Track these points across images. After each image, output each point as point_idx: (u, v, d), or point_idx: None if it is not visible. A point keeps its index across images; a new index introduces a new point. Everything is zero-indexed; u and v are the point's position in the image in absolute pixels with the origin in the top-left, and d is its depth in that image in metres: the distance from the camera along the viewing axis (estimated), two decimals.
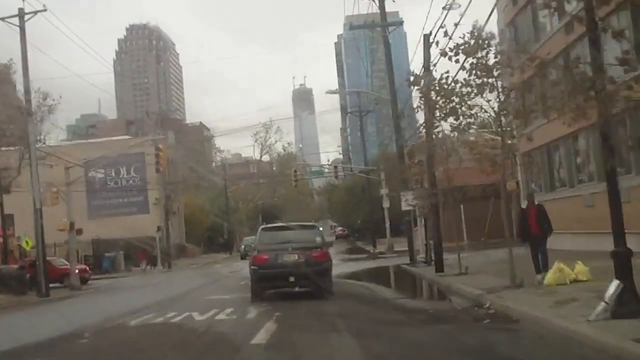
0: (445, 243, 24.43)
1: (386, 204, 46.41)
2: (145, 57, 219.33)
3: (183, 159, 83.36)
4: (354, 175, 74.95)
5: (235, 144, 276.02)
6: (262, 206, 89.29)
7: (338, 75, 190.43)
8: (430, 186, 21.58)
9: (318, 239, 17.14)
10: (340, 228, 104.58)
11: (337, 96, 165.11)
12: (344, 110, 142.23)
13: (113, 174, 67.22)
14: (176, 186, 72.35)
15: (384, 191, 46.42)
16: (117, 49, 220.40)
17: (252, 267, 16.87)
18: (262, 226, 20.11)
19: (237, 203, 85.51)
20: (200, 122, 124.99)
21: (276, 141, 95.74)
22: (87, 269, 39.85)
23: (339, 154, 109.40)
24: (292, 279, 16.41)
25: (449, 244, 25.58)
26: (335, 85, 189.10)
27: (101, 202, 66.63)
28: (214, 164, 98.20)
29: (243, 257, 48.01)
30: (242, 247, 53.12)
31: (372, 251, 48.23)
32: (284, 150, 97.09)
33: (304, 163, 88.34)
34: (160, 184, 52.99)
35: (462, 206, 27.10)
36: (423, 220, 28.72)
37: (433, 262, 24.69)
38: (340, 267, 31.70)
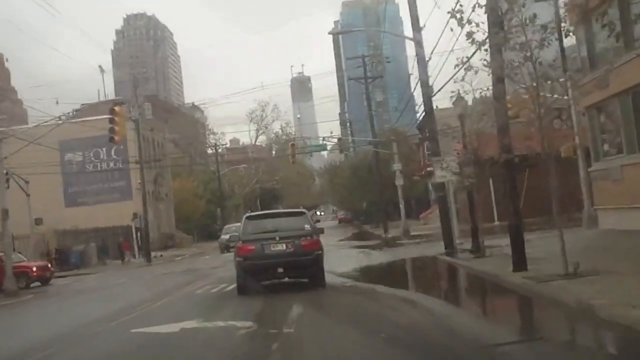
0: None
1: (399, 182, 40.65)
2: (143, 48, 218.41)
3: (170, 138, 77.25)
4: (358, 154, 68.65)
5: (233, 132, 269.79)
6: (260, 190, 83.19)
7: (335, 59, 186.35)
8: (503, 137, 13.44)
9: (307, 227, 16.00)
10: (342, 212, 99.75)
11: (335, 85, 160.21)
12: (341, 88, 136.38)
13: (92, 156, 60.65)
14: (164, 169, 66.07)
15: (396, 166, 41.10)
16: (114, 39, 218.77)
17: (237, 258, 15.69)
18: (247, 214, 18.17)
19: (232, 187, 79.41)
20: (193, 103, 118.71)
21: (273, 120, 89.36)
22: (49, 265, 33.81)
23: (341, 129, 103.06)
24: (280, 270, 15.53)
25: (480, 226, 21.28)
26: (333, 72, 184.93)
27: (79, 188, 60.42)
28: (207, 146, 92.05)
29: (225, 249, 37.41)
30: (227, 236, 38.90)
31: (384, 236, 41.57)
32: (282, 130, 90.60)
33: (302, 137, 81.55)
34: (140, 164, 46.01)
35: (491, 181, 24.90)
36: (462, 196, 22.04)
37: (485, 253, 18.40)
38: (350, 259, 24.80)
